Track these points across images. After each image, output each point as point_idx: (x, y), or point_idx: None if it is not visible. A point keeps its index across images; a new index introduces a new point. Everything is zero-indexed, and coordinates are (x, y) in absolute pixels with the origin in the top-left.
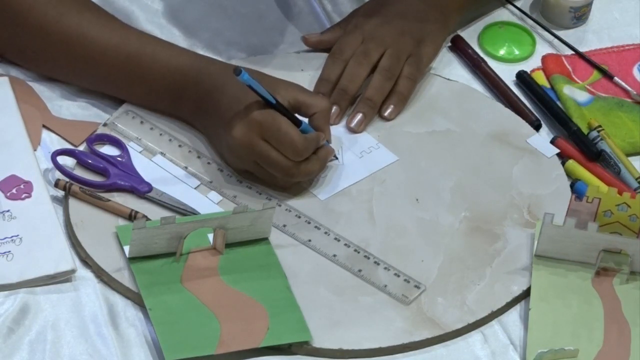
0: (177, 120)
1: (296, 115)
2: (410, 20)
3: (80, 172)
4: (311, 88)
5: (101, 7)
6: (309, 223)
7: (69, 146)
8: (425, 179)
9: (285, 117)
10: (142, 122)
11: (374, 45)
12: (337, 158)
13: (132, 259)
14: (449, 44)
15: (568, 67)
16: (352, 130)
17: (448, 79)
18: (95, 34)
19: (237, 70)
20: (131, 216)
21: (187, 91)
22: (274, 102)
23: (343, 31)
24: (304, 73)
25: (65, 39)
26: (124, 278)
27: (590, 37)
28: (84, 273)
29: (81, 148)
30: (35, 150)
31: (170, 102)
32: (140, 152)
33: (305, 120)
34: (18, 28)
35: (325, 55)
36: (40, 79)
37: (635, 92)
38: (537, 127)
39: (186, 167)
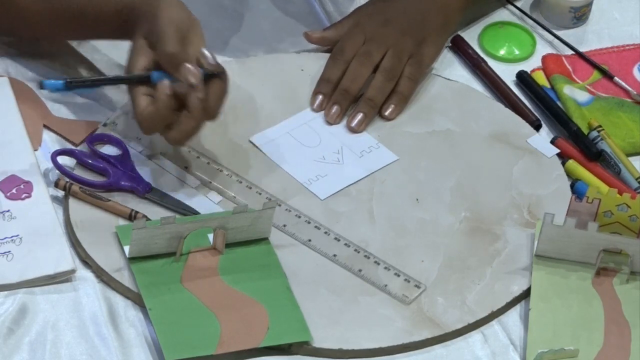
0: None
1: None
2: (412, 20)
3: (80, 172)
4: (312, 88)
5: None
6: (309, 223)
7: (69, 146)
8: (425, 179)
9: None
10: None
11: (376, 45)
12: (221, 73)
13: (132, 259)
14: (449, 44)
15: (568, 67)
16: (353, 130)
17: (448, 79)
18: None
19: (40, 85)
20: (131, 216)
21: (127, 16)
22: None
23: (345, 29)
24: (304, 73)
25: None
26: (124, 278)
27: (590, 37)
28: (84, 273)
29: (81, 148)
30: (35, 150)
31: (116, 28)
32: (140, 152)
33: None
34: None
35: (326, 55)
36: (40, 80)
37: (635, 92)
38: (537, 127)
39: (186, 167)
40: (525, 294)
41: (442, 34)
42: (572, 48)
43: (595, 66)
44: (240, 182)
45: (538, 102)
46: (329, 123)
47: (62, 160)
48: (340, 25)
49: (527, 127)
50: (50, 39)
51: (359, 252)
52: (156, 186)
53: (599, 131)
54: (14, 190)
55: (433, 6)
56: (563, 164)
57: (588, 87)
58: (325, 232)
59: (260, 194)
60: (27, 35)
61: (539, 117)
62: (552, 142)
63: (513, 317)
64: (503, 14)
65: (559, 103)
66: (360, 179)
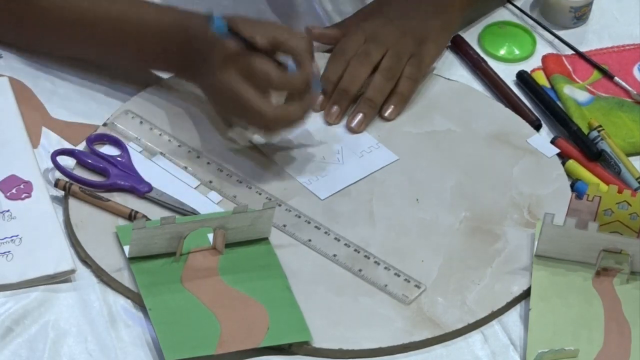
0: (177, 118)
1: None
2: (413, 20)
3: (80, 172)
4: None
5: None
6: (309, 223)
7: (68, 146)
8: (425, 179)
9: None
10: (141, 122)
11: (376, 45)
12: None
13: (132, 259)
14: (449, 44)
15: (568, 67)
16: (352, 130)
17: (448, 79)
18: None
19: (210, 19)
20: (131, 216)
21: (174, 46)
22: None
23: (346, 29)
24: None
25: (53, 6)
26: (124, 278)
27: (590, 37)
28: (84, 273)
29: (81, 148)
30: (34, 148)
31: (161, 60)
32: (140, 152)
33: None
34: (11, 4)
35: (326, 55)
36: (40, 80)
37: (635, 92)
38: (537, 127)
39: (186, 167)
40: (525, 294)
41: (443, 33)
42: (572, 48)
43: (595, 66)
44: (240, 182)
45: (538, 102)
46: (329, 123)
47: (62, 160)
48: (342, 24)
49: (527, 127)
50: (79, 53)
51: (359, 252)
52: (156, 186)
53: (599, 131)
54: (13, 190)
55: (434, 6)
56: (563, 163)
57: (588, 87)
58: (325, 232)
59: (260, 194)
60: (54, 50)
61: (539, 117)
62: (552, 142)
63: (513, 317)
64: (503, 14)
65: (559, 103)
66: (360, 179)
